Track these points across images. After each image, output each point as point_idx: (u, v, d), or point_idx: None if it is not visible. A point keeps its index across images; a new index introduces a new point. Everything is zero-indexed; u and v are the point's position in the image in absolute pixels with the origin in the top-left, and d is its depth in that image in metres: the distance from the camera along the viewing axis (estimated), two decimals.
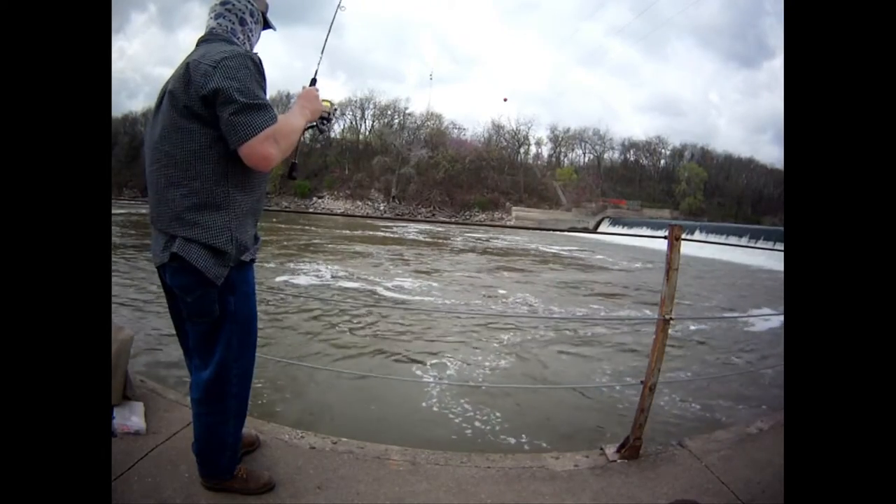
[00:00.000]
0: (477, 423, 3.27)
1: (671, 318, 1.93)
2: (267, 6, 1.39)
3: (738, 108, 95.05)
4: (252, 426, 2.00)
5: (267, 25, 1.41)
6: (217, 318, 1.29)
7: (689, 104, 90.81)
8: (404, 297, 8.00)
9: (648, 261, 16.72)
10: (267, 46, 1.56)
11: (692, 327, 6.50)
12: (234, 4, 1.29)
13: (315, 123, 1.42)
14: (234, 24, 1.28)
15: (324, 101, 1.41)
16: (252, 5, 1.32)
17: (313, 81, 1.47)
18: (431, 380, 4.14)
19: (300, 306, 6.37)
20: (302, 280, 8.94)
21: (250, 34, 1.33)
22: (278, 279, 8.78)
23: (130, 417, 1.87)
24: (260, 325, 1.47)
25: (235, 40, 1.28)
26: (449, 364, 4.56)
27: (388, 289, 8.52)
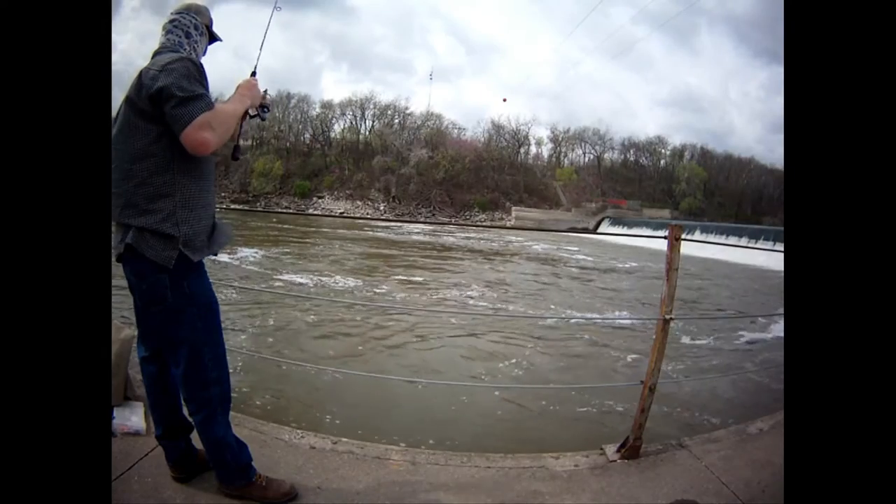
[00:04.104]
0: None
1: (671, 318, 1.93)
2: (211, 21, 1.53)
3: (758, 105, 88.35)
4: (252, 426, 2.01)
5: (213, 38, 1.55)
6: (172, 305, 1.37)
7: (710, 100, 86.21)
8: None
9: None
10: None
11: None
12: (180, 21, 1.45)
13: (257, 112, 1.56)
14: (180, 37, 1.44)
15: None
16: (196, 20, 1.47)
17: (253, 73, 1.59)
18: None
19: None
20: None
21: (196, 45, 1.47)
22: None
23: (130, 417, 1.87)
24: None
25: (182, 51, 1.42)
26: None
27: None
